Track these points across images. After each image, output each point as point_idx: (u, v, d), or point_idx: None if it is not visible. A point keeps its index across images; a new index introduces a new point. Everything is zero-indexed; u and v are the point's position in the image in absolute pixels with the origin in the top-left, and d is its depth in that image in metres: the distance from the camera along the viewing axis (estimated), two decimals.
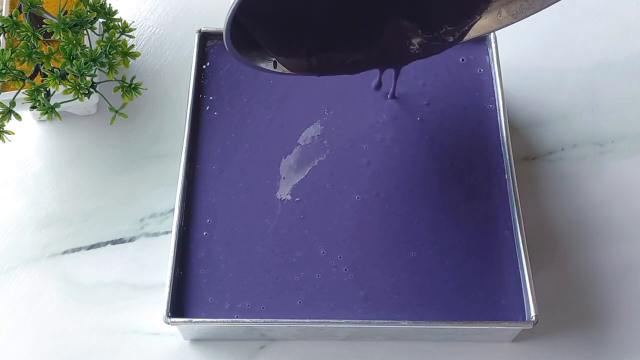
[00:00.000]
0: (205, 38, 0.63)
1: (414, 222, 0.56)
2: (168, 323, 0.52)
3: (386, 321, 0.52)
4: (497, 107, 0.60)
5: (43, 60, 0.56)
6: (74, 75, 0.56)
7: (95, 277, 0.59)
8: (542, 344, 0.56)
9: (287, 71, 0.54)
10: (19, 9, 0.56)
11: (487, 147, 0.59)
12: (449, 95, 0.61)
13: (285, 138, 0.60)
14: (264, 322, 0.52)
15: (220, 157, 0.59)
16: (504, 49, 0.62)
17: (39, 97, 0.56)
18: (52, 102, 0.56)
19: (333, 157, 0.58)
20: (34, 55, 0.55)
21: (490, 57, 0.62)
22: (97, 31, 0.60)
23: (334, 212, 0.56)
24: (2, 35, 0.57)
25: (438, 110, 0.60)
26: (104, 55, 0.57)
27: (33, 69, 0.57)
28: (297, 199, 0.57)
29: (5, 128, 0.56)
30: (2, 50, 0.55)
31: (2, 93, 0.59)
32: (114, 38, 0.58)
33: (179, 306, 0.53)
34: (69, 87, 0.56)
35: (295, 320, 0.53)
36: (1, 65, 0.54)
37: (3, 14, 0.63)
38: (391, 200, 0.57)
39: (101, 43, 0.58)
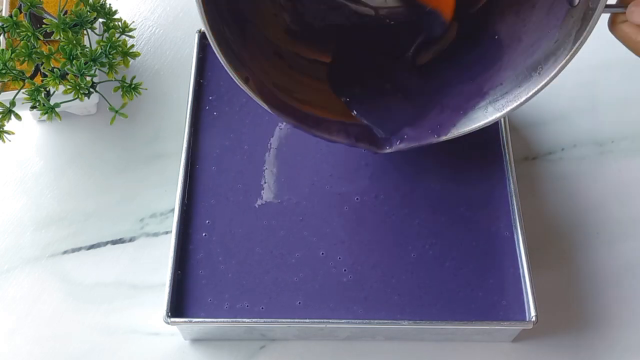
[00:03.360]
0: (205, 38, 0.63)
1: (413, 223, 0.56)
2: (168, 323, 0.52)
3: (386, 321, 0.52)
4: None
5: (43, 60, 0.56)
6: (74, 75, 0.56)
7: (95, 277, 0.59)
8: (542, 344, 0.56)
9: None
10: (19, 9, 0.56)
11: (487, 147, 0.59)
12: None
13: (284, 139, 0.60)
14: (264, 322, 0.52)
15: (219, 157, 0.59)
16: None
17: (39, 97, 0.56)
18: (52, 102, 0.56)
19: (332, 158, 0.58)
20: (34, 55, 0.55)
21: None
22: (97, 31, 0.60)
23: (333, 214, 0.56)
24: (2, 35, 0.57)
25: None
26: (104, 55, 0.57)
27: (33, 69, 0.57)
28: (295, 201, 0.57)
29: (5, 128, 0.56)
30: (2, 50, 0.55)
31: (2, 93, 0.59)
32: (114, 38, 0.58)
33: (178, 306, 0.53)
34: (69, 87, 0.56)
35: (295, 320, 0.52)
36: (1, 65, 0.54)
37: (3, 14, 0.63)
38: (390, 201, 0.57)
39: (101, 43, 0.58)
